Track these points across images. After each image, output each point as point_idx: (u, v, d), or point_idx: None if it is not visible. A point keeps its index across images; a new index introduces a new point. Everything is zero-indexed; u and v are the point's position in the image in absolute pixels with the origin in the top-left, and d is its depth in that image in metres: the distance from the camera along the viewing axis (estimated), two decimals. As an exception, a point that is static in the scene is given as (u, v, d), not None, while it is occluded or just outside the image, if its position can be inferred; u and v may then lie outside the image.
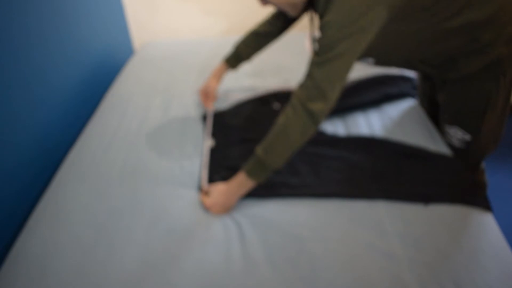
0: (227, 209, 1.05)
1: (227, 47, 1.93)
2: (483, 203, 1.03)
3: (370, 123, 1.35)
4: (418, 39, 1.04)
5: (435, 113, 1.33)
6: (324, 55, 0.91)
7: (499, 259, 0.91)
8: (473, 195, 1.05)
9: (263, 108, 1.44)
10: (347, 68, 0.92)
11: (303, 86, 0.95)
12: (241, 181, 1.02)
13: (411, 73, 1.59)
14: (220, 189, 1.05)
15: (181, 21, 2.34)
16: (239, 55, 1.37)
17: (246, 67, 1.72)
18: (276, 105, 1.45)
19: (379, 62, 1.16)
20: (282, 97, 1.49)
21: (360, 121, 1.37)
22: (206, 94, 1.43)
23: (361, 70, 1.64)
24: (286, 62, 1.76)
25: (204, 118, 1.42)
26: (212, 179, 1.15)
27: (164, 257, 0.95)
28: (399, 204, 1.04)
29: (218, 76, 1.42)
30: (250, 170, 1.00)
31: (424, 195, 1.05)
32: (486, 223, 0.99)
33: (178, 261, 0.94)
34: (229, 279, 0.90)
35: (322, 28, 0.92)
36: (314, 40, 0.96)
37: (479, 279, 0.86)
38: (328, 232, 0.99)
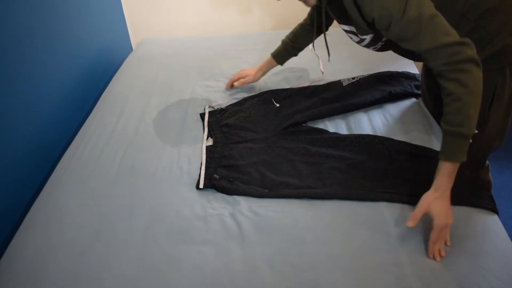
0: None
1: (225, 44, 1.94)
2: (489, 205, 1.00)
3: (373, 122, 1.34)
4: None
5: (439, 109, 1.31)
6: (416, 31, 0.90)
7: (505, 261, 0.89)
8: (478, 196, 1.03)
9: (263, 107, 1.42)
10: (431, 12, 0.91)
11: (437, 61, 0.92)
12: (450, 172, 0.93)
13: (414, 70, 1.57)
14: (435, 198, 0.93)
15: (179, 18, 2.33)
16: (287, 51, 1.44)
17: (246, 67, 1.70)
18: (275, 104, 1.43)
19: (387, 46, 1.14)
20: (282, 95, 1.47)
21: (362, 121, 1.35)
22: (239, 75, 1.52)
23: (362, 69, 1.62)
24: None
25: (203, 116, 1.40)
26: (210, 178, 1.13)
27: (162, 260, 0.93)
28: (403, 206, 1.02)
29: (263, 68, 1.50)
30: (455, 154, 0.92)
31: None
32: (492, 225, 0.97)
33: (176, 263, 0.92)
34: (229, 281, 0.88)
35: (379, 20, 0.91)
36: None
37: (484, 282, 0.84)
38: (330, 234, 0.97)
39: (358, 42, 1.15)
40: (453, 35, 0.91)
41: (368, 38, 1.09)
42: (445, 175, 0.93)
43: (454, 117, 0.92)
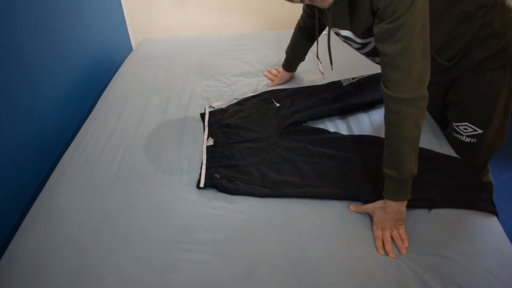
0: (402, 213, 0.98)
1: (225, 44, 1.94)
2: (489, 207, 1.00)
3: (373, 123, 1.33)
4: (436, 25, 1.03)
5: (440, 114, 1.31)
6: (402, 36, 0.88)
7: (504, 262, 0.89)
8: (479, 198, 1.03)
9: (263, 107, 1.42)
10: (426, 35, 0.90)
11: (394, 83, 0.91)
12: (393, 207, 0.96)
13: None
14: (382, 210, 0.98)
15: (179, 18, 2.32)
16: (292, 61, 1.51)
17: (246, 67, 1.71)
18: (276, 104, 1.43)
19: None
20: (282, 95, 1.47)
21: (363, 121, 1.35)
22: (275, 75, 1.61)
23: (362, 69, 1.62)
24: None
25: (203, 116, 1.40)
26: (211, 177, 1.13)
27: (163, 259, 0.93)
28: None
29: (285, 79, 1.58)
30: (393, 194, 0.96)
31: (429, 200, 1.03)
32: (491, 226, 0.97)
33: (177, 262, 0.92)
34: (229, 281, 0.88)
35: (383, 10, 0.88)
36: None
37: (484, 282, 0.84)
38: (330, 234, 0.97)
39: (359, 49, 1.14)
40: (427, 61, 0.90)
41: (372, 43, 1.07)
42: (387, 210, 0.96)
43: (388, 160, 0.96)
